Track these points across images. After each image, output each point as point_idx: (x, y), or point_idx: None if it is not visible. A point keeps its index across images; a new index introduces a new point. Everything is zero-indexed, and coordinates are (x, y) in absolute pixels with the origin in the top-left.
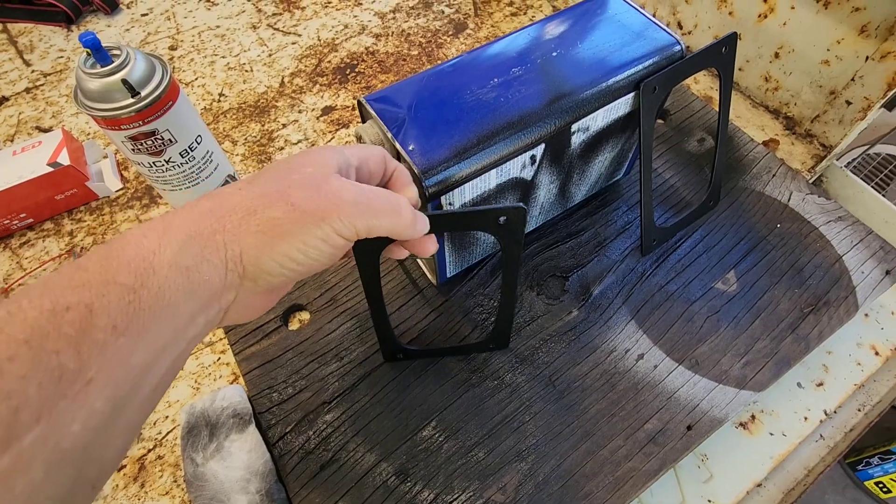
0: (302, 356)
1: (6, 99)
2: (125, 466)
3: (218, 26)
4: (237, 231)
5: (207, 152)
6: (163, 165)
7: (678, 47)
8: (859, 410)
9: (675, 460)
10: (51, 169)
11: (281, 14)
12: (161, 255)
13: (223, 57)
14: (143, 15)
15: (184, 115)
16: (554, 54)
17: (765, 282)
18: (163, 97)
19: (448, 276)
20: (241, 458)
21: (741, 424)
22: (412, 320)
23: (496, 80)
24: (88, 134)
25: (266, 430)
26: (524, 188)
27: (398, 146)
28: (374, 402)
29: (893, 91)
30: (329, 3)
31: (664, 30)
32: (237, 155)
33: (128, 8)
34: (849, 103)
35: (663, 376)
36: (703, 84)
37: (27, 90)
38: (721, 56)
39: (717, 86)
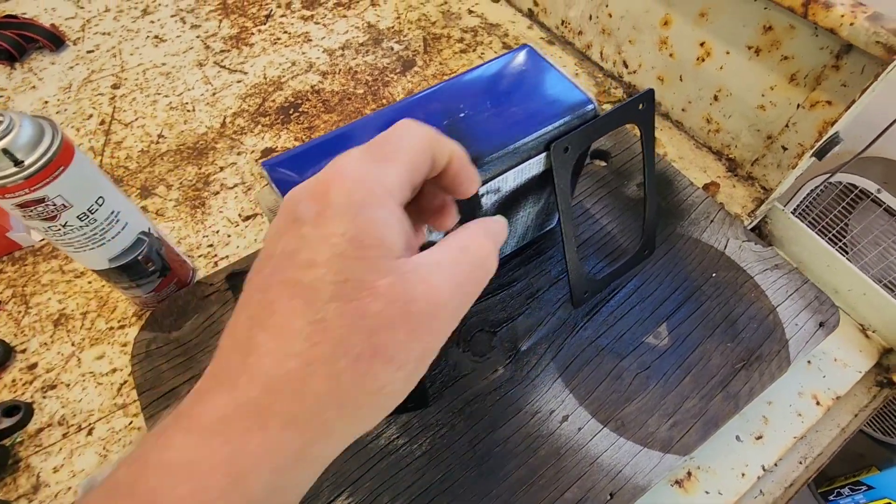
0: None
1: None
2: None
3: (164, 63)
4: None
5: (112, 213)
6: (59, 230)
7: (591, 106)
8: (800, 463)
9: None
10: None
11: (229, 51)
12: None
13: (166, 96)
14: (88, 52)
15: (80, 178)
16: (461, 115)
17: (697, 335)
18: (52, 163)
19: None
20: None
21: (677, 482)
22: None
23: None
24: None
25: None
26: None
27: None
28: None
29: (823, 140)
30: (278, 39)
31: (578, 89)
32: (171, 200)
33: (74, 44)
34: (784, 149)
35: (587, 440)
36: None
37: None
38: (639, 112)
39: (660, 124)
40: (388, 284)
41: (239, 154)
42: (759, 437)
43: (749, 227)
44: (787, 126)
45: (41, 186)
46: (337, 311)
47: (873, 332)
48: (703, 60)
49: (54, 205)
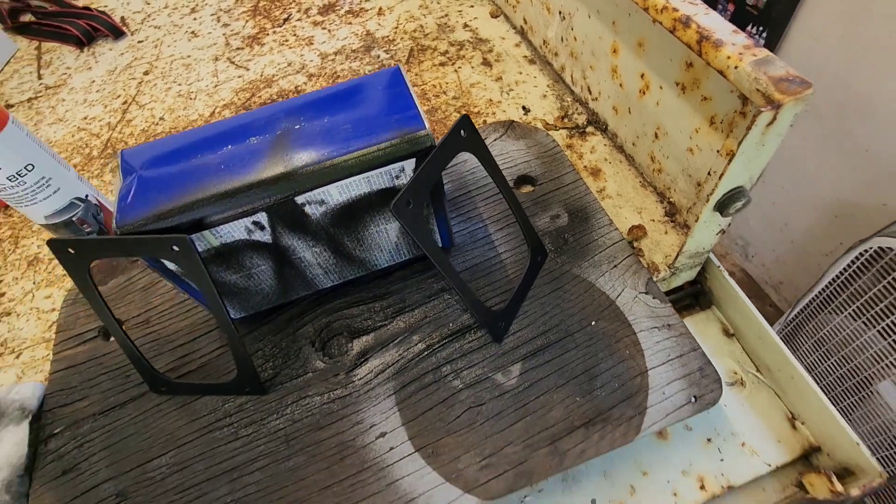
0: (100, 367)
1: (10, 106)
2: None
3: (189, 56)
4: None
5: (42, 178)
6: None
7: (424, 132)
8: None
9: None
10: None
11: (243, 48)
12: None
13: (179, 84)
14: (139, 42)
15: (10, 145)
16: (297, 126)
17: (548, 382)
18: None
19: (233, 317)
20: (4, 448)
21: None
22: (198, 353)
23: (230, 146)
24: (51, 142)
25: (40, 427)
26: (273, 250)
27: (114, 199)
28: (132, 422)
29: (720, 192)
30: (286, 41)
31: (419, 116)
32: None
33: (132, 35)
34: (709, 198)
35: (394, 460)
36: (598, 152)
37: (29, 100)
38: (465, 140)
39: (605, 155)
40: None
41: None
42: None
43: (664, 278)
44: (709, 174)
45: None
46: None
47: (802, 423)
48: (644, 94)
49: None
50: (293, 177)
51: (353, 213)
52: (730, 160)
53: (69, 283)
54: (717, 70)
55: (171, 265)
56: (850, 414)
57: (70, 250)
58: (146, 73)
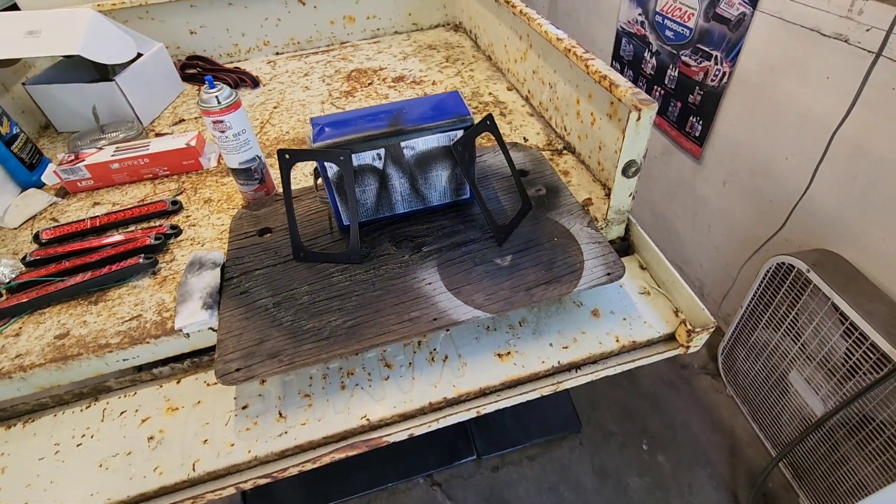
0: (258, 248)
1: (183, 120)
2: (157, 277)
3: (304, 100)
4: None
5: (247, 139)
6: (224, 139)
7: (468, 116)
8: (591, 374)
9: (419, 334)
10: (184, 146)
11: (341, 98)
12: None
13: (298, 114)
14: (269, 90)
15: (238, 118)
16: (404, 110)
17: (527, 264)
18: (230, 106)
19: (344, 223)
20: (206, 280)
21: (498, 355)
22: (317, 245)
23: (369, 118)
24: (213, 139)
25: (224, 272)
26: (380, 175)
27: (311, 135)
28: (280, 273)
29: (621, 164)
30: (370, 95)
31: (467, 109)
32: None
33: (264, 85)
34: (617, 168)
35: (435, 294)
36: (568, 164)
37: (195, 118)
38: (488, 126)
39: (573, 166)
40: None
41: None
42: (566, 347)
43: (600, 227)
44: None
45: (224, 114)
46: None
47: (681, 312)
48: (593, 124)
49: (225, 125)
50: (402, 131)
51: (426, 159)
52: (623, 141)
53: (233, 210)
54: (619, 98)
55: (331, 172)
56: (777, 405)
57: (286, 156)
58: (275, 107)
